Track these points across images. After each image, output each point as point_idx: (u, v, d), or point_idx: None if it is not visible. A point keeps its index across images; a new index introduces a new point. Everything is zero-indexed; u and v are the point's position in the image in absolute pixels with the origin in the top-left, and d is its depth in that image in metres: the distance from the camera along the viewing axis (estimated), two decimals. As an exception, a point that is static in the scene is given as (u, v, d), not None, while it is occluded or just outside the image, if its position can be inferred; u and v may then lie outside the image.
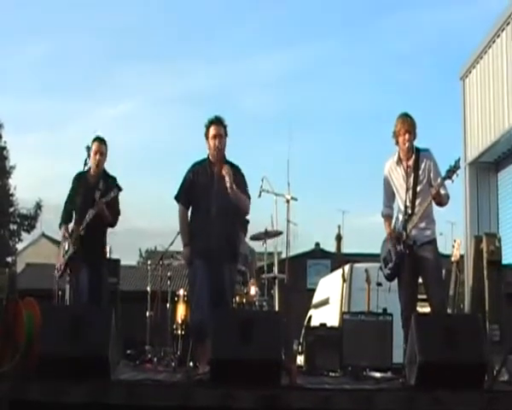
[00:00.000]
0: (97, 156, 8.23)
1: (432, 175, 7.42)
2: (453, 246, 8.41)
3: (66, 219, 8.39)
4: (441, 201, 7.35)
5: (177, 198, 7.77)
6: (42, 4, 76.24)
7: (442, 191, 7.31)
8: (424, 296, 7.47)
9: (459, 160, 7.23)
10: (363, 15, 76.84)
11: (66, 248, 8.20)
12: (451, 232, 21.51)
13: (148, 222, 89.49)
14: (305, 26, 78.05)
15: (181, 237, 7.86)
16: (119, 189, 8.17)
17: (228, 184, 7.37)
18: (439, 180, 7.26)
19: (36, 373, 5.91)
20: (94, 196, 8.11)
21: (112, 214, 8.27)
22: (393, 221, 7.73)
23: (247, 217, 9.85)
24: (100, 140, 8.28)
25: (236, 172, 7.71)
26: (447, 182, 7.21)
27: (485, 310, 7.70)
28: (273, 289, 9.76)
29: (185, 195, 7.71)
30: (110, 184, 8.25)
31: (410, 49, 78.23)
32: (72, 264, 8.16)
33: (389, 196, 7.75)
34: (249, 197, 7.82)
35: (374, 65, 76.10)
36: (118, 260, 11.62)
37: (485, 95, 13.67)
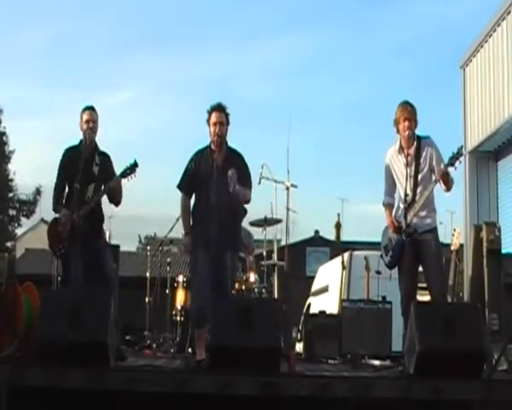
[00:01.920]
0: (90, 124, 7.79)
1: (434, 162, 7.39)
2: (453, 235, 8.42)
3: (60, 200, 7.83)
4: (448, 182, 7.27)
5: (179, 187, 7.73)
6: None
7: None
8: (424, 285, 7.47)
9: (462, 147, 7.21)
10: (363, 5, 76.76)
11: (69, 227, 7.57)
12: (451, 221, 21.50)
13: (148, 209, 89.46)
14: (304, 16, 78.01)
15: (182, 225, 7.84)
16: (136, 164, 7.78)
17: (230, 189, 7.34)
18: (443, 165, 7.24)
19: (34, 358, 5.90)
20: (92, 170, 7.77)
21: (119, 191, 7.89)
22: (394, 210, 7.72)
23: (245, 206, 9.89)
24: (91, 108, 7.87)
25: (239, 160, 7.68)
26: (450, 169, 7.18)
27: (484, 299, 7.70)
28: (272, 277, 9.76)
29: (187, 183, 7.68)
30: (104, 158, 7.90)
31: (411, 39, 78.17)
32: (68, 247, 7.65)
33: (390, 184, 7.73)
34: (251, 187, 7.79)
35: (374, 54, 76.03)
36: (117, 246, 11.61)
37: (485, 84, 13.64)
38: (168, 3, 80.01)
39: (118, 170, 7.92)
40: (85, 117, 7.83)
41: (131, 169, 7.79)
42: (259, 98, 78.62)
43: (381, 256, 7.86)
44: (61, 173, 7.89)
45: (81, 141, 7.89)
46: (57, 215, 7.80)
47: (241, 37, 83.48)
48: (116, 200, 7.91)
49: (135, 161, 7.79)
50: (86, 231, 7.63)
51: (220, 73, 79.46)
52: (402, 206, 7.53)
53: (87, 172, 7.73)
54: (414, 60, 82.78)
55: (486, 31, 13.50)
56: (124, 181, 7.82)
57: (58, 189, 7.89)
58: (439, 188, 7.36)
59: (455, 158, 7.12)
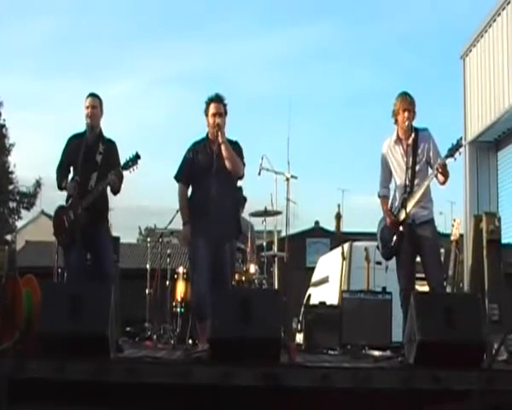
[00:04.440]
0: (89, 109, 7.82)
1: (431, 154, 7.42)
2: (453, 225, 8.42)
3: (64, 178, 7.87)
4: (446, 174, 7.30)
5: (176, 177, 7.73)
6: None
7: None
8: (422, 275, 7.48)
9: (461, 138, 7.23)
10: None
11: (72, 217, 7.71)
12: (451, 212, 21.55)
13: (148, 201, 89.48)
14: (305, 7, 77.85)
15: (181, 215, 7.84)
16: (138, 156, 7.72)
17: (220, 139, 7.38)
18: (440, 159, 7.24)
19: (35, 351, 5.91)
20: (95, 158, 7.78)
21: (120, 181, 7.84)
22: (390, 200, 7.72)
23: (245, 195, 9.89)
24: (92, 95, 7.89)
25: (234, 145, 7.67)
26: (450, 160, 7.19)
27: (484, 289, 7.70)
28: (272, 268, 9.78)
29: (185, 174, 7.68)
30: (109, 145, 7.91)
31: (411, 29, 78.03)
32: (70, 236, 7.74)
33: (386, 175, 7.74)
34: (244, 164, 7.76)
35: (374, 45, 75.92)
36: (117, 238, 11.62)
37: (485, 74, 13.61)
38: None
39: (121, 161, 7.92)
40: (86, 103, 7.88)
41: (133, 161, 7.77)
42: (259, 90, 78.58)
43: (378, 247, 7.88)
44: (64, 159, 7.95)
45: (86, 129, 7.95)
46: (61, 203, 7.89)
47: (240, 29, 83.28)
48: (115, 190, 7.87)
49: (137, 153, 7.77)
50: (88, 222, 7.66)
51: (219, 65, 79.36)
52: (398, 196, 7.54)
53: (90, 161, 7.75)
54: (414, 50, 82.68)
55: (486, 21, 13.48)
56: (125, 173, 7.81)
57: (61, 170, 7.94)
58: (435, 180, 7.38)
59: (454, 149, 7.14)
